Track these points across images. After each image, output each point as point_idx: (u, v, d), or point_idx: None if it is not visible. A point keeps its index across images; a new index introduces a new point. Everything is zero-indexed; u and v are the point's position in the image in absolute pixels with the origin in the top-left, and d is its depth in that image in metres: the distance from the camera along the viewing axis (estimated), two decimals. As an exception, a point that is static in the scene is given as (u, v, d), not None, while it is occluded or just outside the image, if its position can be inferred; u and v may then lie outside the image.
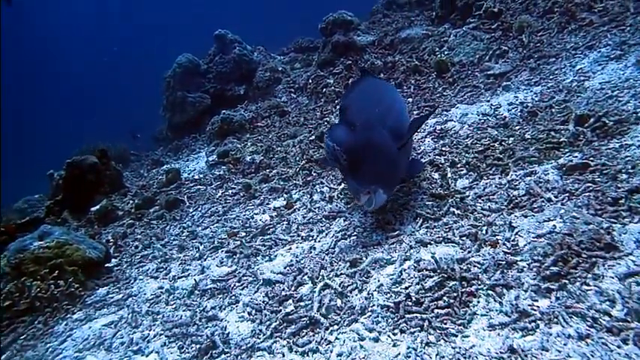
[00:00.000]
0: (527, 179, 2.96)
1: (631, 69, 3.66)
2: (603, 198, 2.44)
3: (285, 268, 3.11)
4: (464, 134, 3.98)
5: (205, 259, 3.65)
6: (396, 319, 2.25)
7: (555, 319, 1.90)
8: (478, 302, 2.18)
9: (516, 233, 2.50)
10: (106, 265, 3.98)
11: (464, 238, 2.66)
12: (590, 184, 2.61)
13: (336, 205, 3.73)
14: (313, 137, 5.42)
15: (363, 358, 2.10)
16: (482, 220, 2.76)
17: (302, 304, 2.62)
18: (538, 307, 2.00)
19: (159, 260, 3.92)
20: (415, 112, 4.92)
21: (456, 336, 2.04)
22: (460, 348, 1.95)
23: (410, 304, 2.30)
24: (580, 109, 3.35)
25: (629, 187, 2.43)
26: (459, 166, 3.50)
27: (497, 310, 2.09)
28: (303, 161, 4.83)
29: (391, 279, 2.54)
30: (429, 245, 2.73)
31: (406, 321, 2.21)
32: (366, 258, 2.80)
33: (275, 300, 2.74)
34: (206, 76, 8.94)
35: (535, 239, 2.39)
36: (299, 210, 3.95)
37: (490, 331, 2.00)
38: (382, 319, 2.29)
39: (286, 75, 8.50)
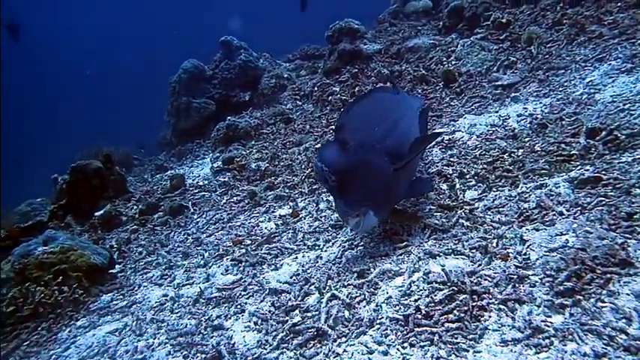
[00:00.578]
0: (537, 192, 2.93)
1: (642, 82, 3.64)
2: (617, 213, 2.41)
3: (291, 277, 3.08)
4: (472, 145, 3.96)
5: (210, 267, 3.62)
6: (405, 332, 2.21)
7: (570, 336, 1.86)
8: (490, 317, 2.14)
9: (528, 247, 2.47)
10: (110, 271, 3.95)
11: (474, 251, 2.63)
12: (602, 199, 2.58)
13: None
14: (319, 145, 5.40)
15: (372, 372, 2.07)
16: (492, 233, 2.72)
17: (309, 314, 2.58)
18: (552, 323, 1.96)
19: (163, 267, 3.89)
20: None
21: (468, 351, 2.00)
22: (472, 364, 1.92)
23: (419, 317, 2.26)
24: (591, 121, 3.33)
25: (644, 202, 2.40)
26: (467, 177, 3.47)
27: (509, 326, 2.05)
28: (309, 169, 4.80)
29: (400, 291, 2.50)
30: (438, 257, 2.69)
31: (416, 334, 2.17)
32: (374, 269, 2.77)
33: (281, 310, 2.70)
34: (211, 82, 8.93)
35: (547, 253, 2.36)
36: (305, 218, 3.92)
37: (502, 346, 1.96)
38: (391, 331, 2.25)
39: (292, 82, 8.50)
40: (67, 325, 3.29)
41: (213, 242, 4.10)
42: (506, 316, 2.11)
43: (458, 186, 3.38)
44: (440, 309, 2.26)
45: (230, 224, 4.39)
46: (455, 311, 2.21)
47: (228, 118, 7.14)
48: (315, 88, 7.32)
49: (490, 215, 2.92)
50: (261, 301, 2.91)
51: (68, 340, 3.09)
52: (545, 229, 2.56)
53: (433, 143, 4.21)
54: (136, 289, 3.65)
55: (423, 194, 3.35)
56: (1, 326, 3.24)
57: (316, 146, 5.43)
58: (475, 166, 3.56)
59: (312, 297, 2.75)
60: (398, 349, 2.14)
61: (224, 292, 3.14)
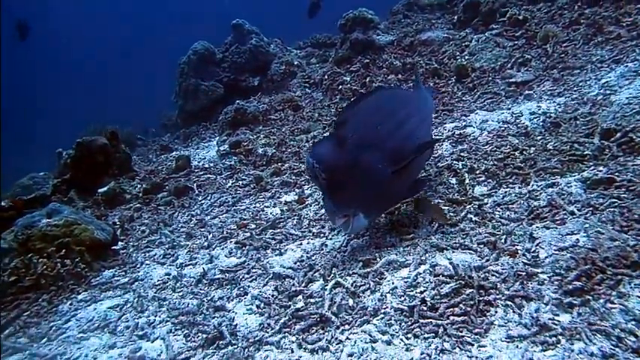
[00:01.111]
0: (548, 190, 2.90)
1: (660, 86, 3.59)
2: (629, 215, 2.38)
3: (295, 263, 3.06)
4: (483, 141, 3.92)
5: (214, 249, 3.61)
6: (409, 323, 2.19)
7: (577, 336, 1.84)
8: (496, 312, 2.12)
9: (537, 244, 2.44)
10: (113, 247, 3.94)
11: (481, 246, 2.60)
12: (615, 200, 2.55)
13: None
14: (327, 134, 5.37)
15: (375, 360, 2.05)
16: (500, 229, 2.70)
17: (312, 300, 2.57)
18: (559, 321, 1.94)
19: (166, 246, 3.88)
20: (433, 115, 4.85)
21: (472, 345, 1.98)
22: (477, 358, 1.90)
23: (425, 308, 2.24)
24: (606, 122, 3.29)
25: (658, 205, 2.38)
26: (477, 172, 3.45)
27: (515, 322, 2.03)
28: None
29: (406, 282, 2.48)
30: (445, 250, 2.67)
31: (420, 326, 2.15)
32: (380, 259, 2.75)
33: (285, 295, 2.69)
34: (221, 66, 8.88)
35: (557, 252, 2.34)
36: (311, 206, 3.90)
37: (508, 342, 1.94)
38: (395, 322, 2.24)
39: (302, 69, 8.44)
40: (68, 298, 3.28)
41: (217, 224, 4.08)
42: (513, 312, 2.09)
43: (467, 181, 3.35)
44: (446, 302, 2.24)
45: (235, 207, 4.37)
46: (461, 305, 2.19)
47: (237, 101, 7.10)
48: (326, 77, 7.28)
49: (499, 211, 2.90)
50: (265, 285, 2.89)
51: (69, 312, 3.08)
52: (556, 228, 2.54)
53: (444, 137, 4.18)
54: (138, 266, 3.63)
55: (417, 194, 3.19)
56: (2, 295, 3.24)
57: (324, 134, 5.40)
58: (485, 161, 3.53)
59: (316, 283, 2.74)
60: (402, 340, 2.12)
61: (227, 274, 3.13)
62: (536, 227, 2.61)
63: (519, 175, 3.19)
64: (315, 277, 2.80)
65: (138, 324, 2.77)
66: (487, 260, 2.46)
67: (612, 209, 2.49)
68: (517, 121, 4.01)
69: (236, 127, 6.76)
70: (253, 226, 3.80)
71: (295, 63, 8.56)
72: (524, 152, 3.43)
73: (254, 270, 3.10)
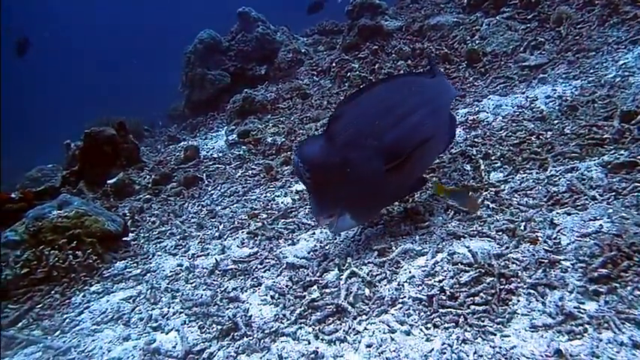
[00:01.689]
0: (568, 175, 2.82)
1: (680, 67, 3.49)
2: (655, 199, 2.32)
3: (309, 253, 3.02)
4: (497, 126, 3.84)
5: (225, 239, 3.57)
6: (429, 312, 2.14)
7: (605, 324, 1.78)
8: (518, 301, 2.06)
9: (558, 231, 2.38)
10: (124, 238, 3.92)
11: (500, 233, 2.54)
12: (638, 184, 2.47)
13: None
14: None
15: (394, 351, 2.00)
16: (519, 216, 2.63)
17: (328, 290, 2.52)
18: (585, 310, 1.89)
19: (177, 237, 3.85)
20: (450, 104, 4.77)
21: (495, 335, 1.93)
22: (500, 348, 1.84)
23: (444, 298, 2.19)
24: (626, 105, 3.20)
25: (683, 189, 2.30)
26: (492, 158, 3.37)
27: (539, 311, 1.97)
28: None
29: (423, 271, 2.43)
30: (462, 238, 2.61)
31: (440, 315, 2.10)
32: (396, 248, 2.70)
33: (299, 285, 2.64)
34: (227, 54, 8.80)
35: (580, 238, 2.27)
36: (322, 194, 3.84)
37: (532, 332, 1.89)
38: (414, 311, 2.19)
39: (309, 57, 8.35)
40: (81, 290, 3.26)
41: (228, 215, 4.04)
42: (536, 300, 2.03)
43: (482, 167, 3.28)
44: (465, 291, 2.18)
45: (245, 197, 4.33)
46: (481, 294, 2.14)
47: (245, 90, 7.03)
48: (334, 64, 7.17)
49: (517, 198, 2.83)
50: (278, 275, 2.85)
51: (82, 304, 3.06)
52: (577, 214, 2.47)
53: (457, 123, 4.10)
54: (149, 257, 3.61)
55: (414, 192, 3.12)
56: (15, 287, 3.22)
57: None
58: (501, 147, 3.45)
59: (331, 273, 2.69)
60: (421, 330, 2.07)
61: (240, 265, 3.09)
62: (557, 213, 2.54)
63: (536, 161, 3.12)
64: (330, 266, 2.75)
65: (152, 315, 2.74)
66: (507, 248, 2.39)
67: (636, 193, 2.42)
68: (532, 105, 3.92)
69: (244, 116, 6.70)
70: (265, 215, 3.76)
71: (302, 51, 8.47)
72: (540, 137, 3.35)
73: (267, 260, 3.06)
